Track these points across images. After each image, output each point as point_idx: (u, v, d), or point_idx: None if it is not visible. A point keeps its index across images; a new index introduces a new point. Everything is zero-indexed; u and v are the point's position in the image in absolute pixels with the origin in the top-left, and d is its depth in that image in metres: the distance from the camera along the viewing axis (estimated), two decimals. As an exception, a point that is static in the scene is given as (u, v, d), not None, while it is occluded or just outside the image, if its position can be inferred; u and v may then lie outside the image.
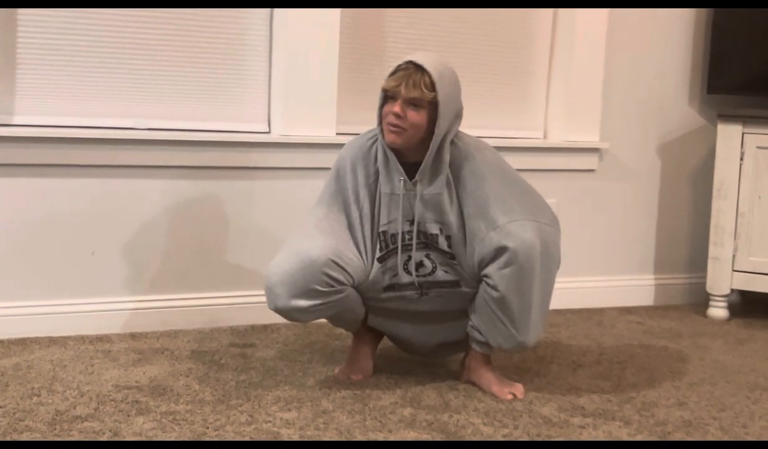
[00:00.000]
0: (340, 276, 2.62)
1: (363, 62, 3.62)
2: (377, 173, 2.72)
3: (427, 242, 2.71)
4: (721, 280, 3.91)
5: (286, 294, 2.59)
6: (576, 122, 3.93)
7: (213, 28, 3.39)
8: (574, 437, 2.46)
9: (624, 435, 2.49)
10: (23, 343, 3.08)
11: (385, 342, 3.02)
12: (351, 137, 2.86)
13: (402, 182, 2.67)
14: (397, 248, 2.71)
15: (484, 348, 2.77)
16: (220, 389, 2.70)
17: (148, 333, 3.28)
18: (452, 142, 2.68)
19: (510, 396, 2.73)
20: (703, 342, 3.54)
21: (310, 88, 3.44)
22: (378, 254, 2.73)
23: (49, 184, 3.17)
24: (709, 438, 2.51)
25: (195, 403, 2.57)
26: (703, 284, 4.02)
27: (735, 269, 3.88)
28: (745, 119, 3.84)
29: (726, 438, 2.51)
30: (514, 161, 2.94)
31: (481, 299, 2.69)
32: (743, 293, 4.15)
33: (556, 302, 3.16)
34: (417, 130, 2.61)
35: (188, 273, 3.39)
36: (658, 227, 4.19)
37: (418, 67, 2.58)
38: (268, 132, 3.50)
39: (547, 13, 3.92)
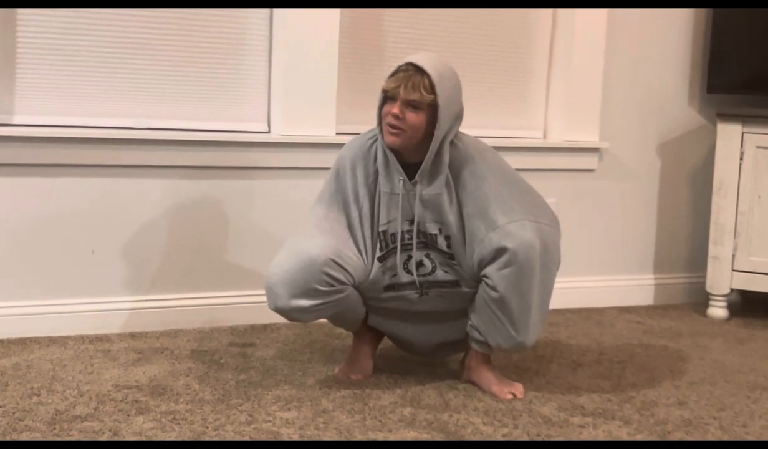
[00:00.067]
0: (341, 276, 2.62)
1: (363, 62, 3.62)
2: (377, 172, 2.72)
3: (427, 242, 2.72)
4: (721, 279, 3.91)
5: (286, 294, 2.59)
6: (576, 121, 3.93)
7: (213, 28, 3.39)
8: (574, 436, 2.46)
9: (624, 434, 2.49)
10: (23, 343, 3.08)
11: (385, 342, 3.02)
12: (351, 137, 2.87)
13: (401, 182, 2.67)
14: (397, 247, 2.71)
15: (484, 348, 2.77)
16: (220, 388, 2.70)
17: (148, 333, 3.28)
18: (452, 142, 2.68)
19: (510, 396, 2.73)
20: (703, 341, 3.54)
21: (309, 87, 3.44)
22: (378, 253, 2.73)
23: (49, 184, 3.17)
24: (709, 437, 2.51)
25: (195, 403, 2.57)
26: (703, 283, 4.02)
27: (735, 268, 3.88)
28: (745, 119, 3.84)
29: (726, 438, 2.51)
30: (514, 161, 2.94)
31: (480, 299, 2.69)
32: (743, 293, 4.15)
33: (556, 302, 3.16)
34: (416, 131, 2.60)
35: (188, 273, 3.39)
36: (658, 226, 4.19)
37: (418, 69, 2.57)
38: (268, 132, 3.51)
39: (546, 13, 3.92)
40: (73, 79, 3.22)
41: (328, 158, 2.94)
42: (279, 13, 3.42)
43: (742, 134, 3.84)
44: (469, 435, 2.42)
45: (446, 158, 2.65)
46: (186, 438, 2.32)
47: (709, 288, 3.95)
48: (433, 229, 2.69)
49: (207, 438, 2.33)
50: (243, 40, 3.44)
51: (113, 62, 3.26)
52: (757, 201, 3.84)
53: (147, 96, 3.33)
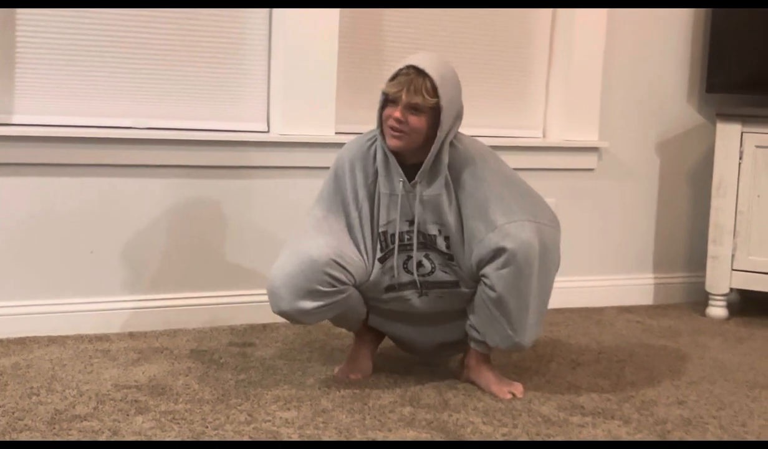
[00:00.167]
0: (342, 276, 2.62)
1: (362, 62, 3.62)
2: (376, 173, 2.72)
3: (426, 243, 2.72)
4: (720, 279, 3.91)
5: (289, 296, 2.59)
6: (575, 121, 3.93)
7: (213, 28, 3.39)
8: (574, 436, 2.46)
9: (623, 433, 2.50)
10: (22, 342, 3.08)
11: (386, 342, 3.02)
12: (350, 137, 2.86)
13: (401, 183, 2.67)
14: (395, 248, 2.71)
15: (482, 347, 2.77)
16: (220, 388, 2.70)
17: (148, 333, 3.28)
18: (451, 143, 2.67)
19: (509, 395, 2.73)
20: (702, 340, 3.54)
21: (309, 87, 3.44)
22: (379, 254, 2.73)
23: (49, 183, 3.17)
24: (709, 436, 2.51)
25: (194, 402, 2.57)
26: (702, 283, 4.02)
27: (734, 268, 3.88)
28: (744, 118, 3.84)
29: (725, 437, 2.51)
30: (514, 161, 2.95)
31: (479, 298, 2.69)
32: (742, 292, 4.15)
33: (556, 301, 3.16)
34: (418, 134, 2.60)
35: (188, 273, 3.39)
36: (657, 226, 4.19)
37: (420, 72, 2.55)
38: (268, 131, 3.51)
39: (546, 13, 3.92)
40: (72, 78, 3.23)
41: (328, 158, 2.94)
42: (278, 13, 3.42)
43: (742, 133, 3.84)
44: (468, 435, 2.43)
45: (446, 158, 2.65)
46: (185, 438, 2.32)
47: (708, 288, 3.95)
48: (432, 230, 2.69)
49: (206, 438, 2.33)
50: (242, 40, 3.44)
51: (113, 62, 3.27)
52: (757, 200, 3.84)
53: (146, 96, 3.33)
